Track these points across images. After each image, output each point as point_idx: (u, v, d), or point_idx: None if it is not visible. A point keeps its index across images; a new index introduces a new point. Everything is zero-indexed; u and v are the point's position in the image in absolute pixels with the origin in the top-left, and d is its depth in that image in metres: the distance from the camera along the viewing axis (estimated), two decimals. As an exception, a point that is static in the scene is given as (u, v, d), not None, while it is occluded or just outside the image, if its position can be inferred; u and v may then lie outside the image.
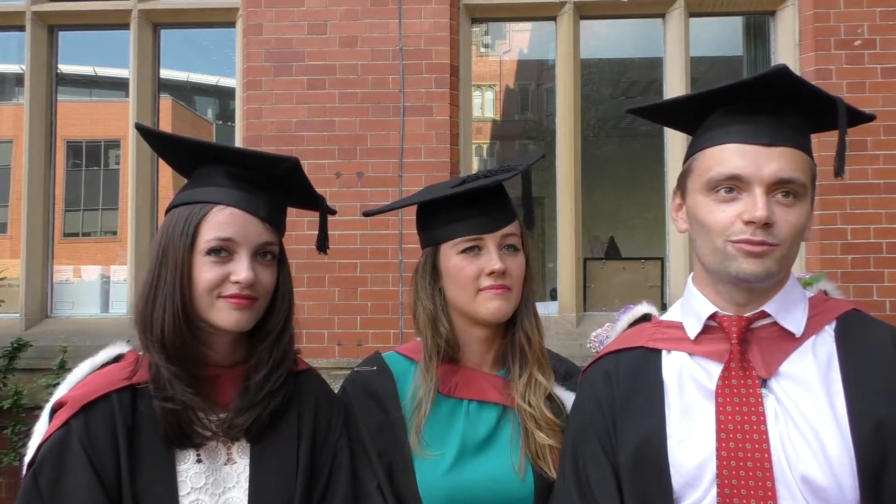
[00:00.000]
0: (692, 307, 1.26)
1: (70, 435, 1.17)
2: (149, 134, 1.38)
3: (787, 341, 1.19)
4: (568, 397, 1.47)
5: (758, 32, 4.39)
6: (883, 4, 3.80)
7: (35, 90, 4.26)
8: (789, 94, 1.17)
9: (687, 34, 4.09)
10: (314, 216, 1.43)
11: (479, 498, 1.37)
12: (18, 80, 4.95)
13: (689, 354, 1.23)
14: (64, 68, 4.53)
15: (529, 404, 1.42)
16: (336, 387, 1.50)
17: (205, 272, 1.22)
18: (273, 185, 1.33)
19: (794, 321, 1.20)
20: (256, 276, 1.25)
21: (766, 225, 1.11)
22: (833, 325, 1.21)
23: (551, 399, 1.46)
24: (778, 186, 1.13)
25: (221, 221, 1.24)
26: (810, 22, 3.85)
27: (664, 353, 1.26)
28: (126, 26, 4.24)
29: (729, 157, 1.16)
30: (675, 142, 4.07)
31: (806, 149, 1.17)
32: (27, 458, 1.20)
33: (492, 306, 1.42)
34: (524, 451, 1.40)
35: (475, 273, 1.42)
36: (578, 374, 1.56)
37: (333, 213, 1.51)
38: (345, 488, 1.33)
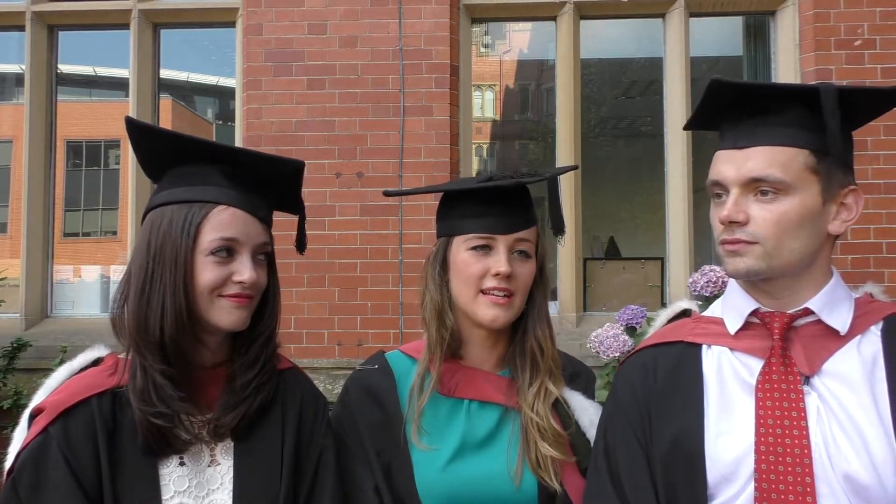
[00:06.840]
0: (733, 303, 1.26)
1: (49, 441, 1.15)
2: (140, 129, 1.32)
3: (832, 339, 1.18)
4: (574, 398, 1.46)
5: (758, 32, 4.38)
6: (883, 4, 3.80)
7: (35, 90, 4.26)
8: (780, 91, 1.18)
9: (687, 34, 4.09)
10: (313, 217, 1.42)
11: (478, 496, 1.35)
12: (18, 80, 4.95)
13: (730, 349, 1.23)
14: (64, 68, 4.53)
15: (537, 413, 1.39)
16: (337, 387, 1.49)
17: (207, 272, 1.22)
18: (266, 186, 1.33)
19: (840, 319, 1.18)
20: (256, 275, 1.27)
21: (740, 223, 1.14)
22: (879, 325, 1.19)
23: (558, 400, 1.44)
24: (752, 185, 1.14)
25: (224, 221, 1.24)
26: (810, 22, 3.85)
27: (704, 347, 1.26)
28: (126, 26, 4.24)
29: (715, 164, 1.21)
30: (675, 142, 4.07)
31: (795, 143, 1.14)
32: (7, 465, 1.18)
33: (490, 313, 1.40)
34: (522, 458, 1.38)
35: (480, 272, 1.40)
36: (585, 373, 1.56)
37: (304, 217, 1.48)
38: (332, 488, 1.32)
